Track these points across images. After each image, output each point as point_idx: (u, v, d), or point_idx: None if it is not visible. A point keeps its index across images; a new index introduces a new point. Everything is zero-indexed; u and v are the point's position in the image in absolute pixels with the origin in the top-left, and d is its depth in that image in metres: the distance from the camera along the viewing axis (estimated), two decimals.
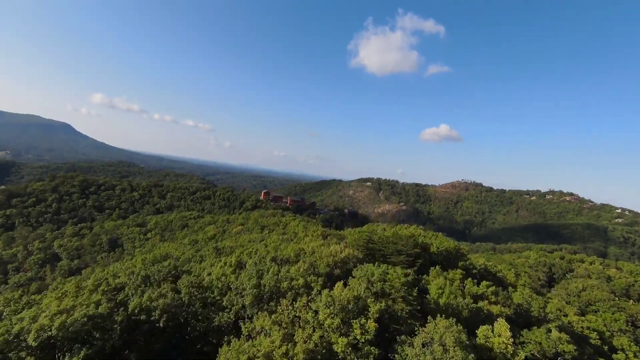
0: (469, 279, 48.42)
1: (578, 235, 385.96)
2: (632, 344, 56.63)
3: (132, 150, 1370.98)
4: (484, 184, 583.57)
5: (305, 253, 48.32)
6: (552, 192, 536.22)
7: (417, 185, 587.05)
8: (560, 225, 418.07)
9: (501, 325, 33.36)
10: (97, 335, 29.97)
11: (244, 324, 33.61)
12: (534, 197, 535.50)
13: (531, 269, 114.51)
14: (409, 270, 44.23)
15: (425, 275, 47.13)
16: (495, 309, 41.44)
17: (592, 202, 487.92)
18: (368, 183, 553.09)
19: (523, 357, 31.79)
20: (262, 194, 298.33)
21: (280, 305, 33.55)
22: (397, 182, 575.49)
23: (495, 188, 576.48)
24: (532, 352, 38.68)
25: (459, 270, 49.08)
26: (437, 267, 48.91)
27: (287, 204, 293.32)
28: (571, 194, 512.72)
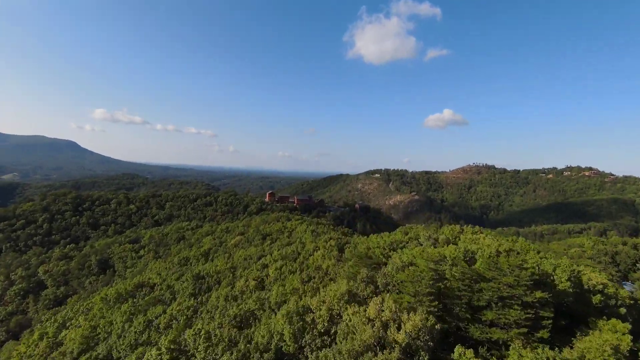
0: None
1: (604, 212, 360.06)
2: None
3: (138, 162, 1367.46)
4: (496, 166, 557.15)
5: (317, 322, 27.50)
6: (569, 168, 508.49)
7: (427, 173, 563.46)
8: (583, 203, 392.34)
9: None
10: None
11: None
12: (551, 175, 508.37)
13: (593, 260, 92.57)
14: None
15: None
16: None
17: (613, 175, 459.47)
18: (376, 175, 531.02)
19: None
20: (267, 195, 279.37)
21: None
22: (406, 171, 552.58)
23: (508, 169, 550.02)
24: None
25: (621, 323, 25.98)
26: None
27: (294, 204, 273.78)
28: (590, 169, 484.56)
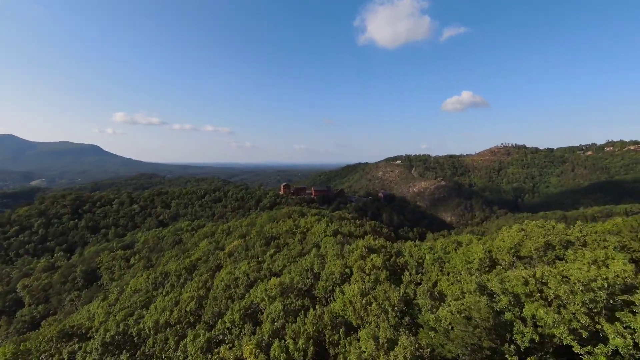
0: None
1: None
2: None
3: (158, 163, 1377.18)
4: (527, 146, 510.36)
5: None
6: (611, 143, 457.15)
7: (451, 157, 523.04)
8: (635, 180, 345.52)
9: None
10: None
11: None
12: (590, 152, 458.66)
13: None
14: None
15: None
16: None
17: None
18: (397, 162, 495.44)
19: None
20: (282, 187, 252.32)
21: None
22: (428, 156, 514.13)
23: (541, 148, 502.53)
24: None
25: None
26: None
27: (312, 196, 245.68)
28: (636, 142, 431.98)
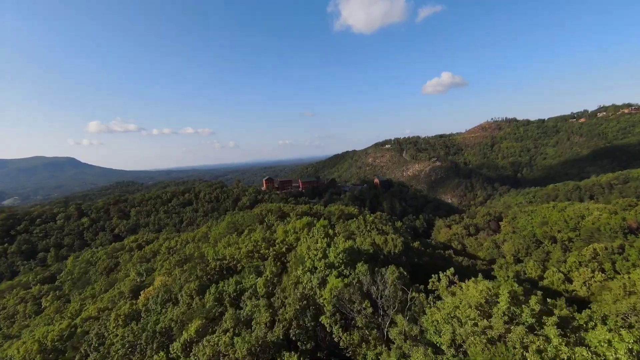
0: None
1: None
2: None
3: (140, 170, 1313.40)
4: (517, 118, 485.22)
5: None
6: (603, 108, 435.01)
7: (441, 136, 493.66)
8: None
9: None
10: None
11: None
12: (583, 119, 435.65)
13: None
14: None
15: None
16: None
17: None
18: (387, 146, 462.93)
19: None
20: (264, 182, 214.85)
21: None
22: (418, 137, 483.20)
23: (532, 120, 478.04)
24: None
25: None
26: None
27: (299, 189, 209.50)
28: (629, 105, 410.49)
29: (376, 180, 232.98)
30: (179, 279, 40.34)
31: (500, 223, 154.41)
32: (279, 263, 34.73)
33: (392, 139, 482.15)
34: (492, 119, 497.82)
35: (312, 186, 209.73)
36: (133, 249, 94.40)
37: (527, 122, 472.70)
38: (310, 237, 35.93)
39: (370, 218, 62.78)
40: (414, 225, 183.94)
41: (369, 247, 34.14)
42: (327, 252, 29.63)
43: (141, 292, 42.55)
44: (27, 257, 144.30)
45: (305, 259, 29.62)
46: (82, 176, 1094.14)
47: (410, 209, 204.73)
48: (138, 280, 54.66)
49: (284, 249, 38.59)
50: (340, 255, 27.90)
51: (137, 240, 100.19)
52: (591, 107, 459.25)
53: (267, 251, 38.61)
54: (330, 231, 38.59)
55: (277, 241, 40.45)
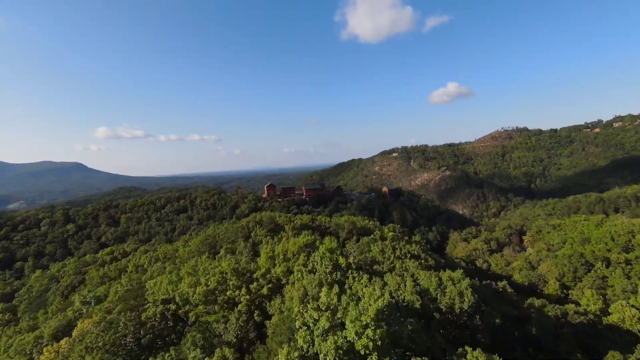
0: None
1: None
2: None
3: (146, 176, 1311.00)
4: (529, 128, 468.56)
5: None
6: (619, 118, 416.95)
7: (450, 145, 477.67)
8: None
9: None
10: None
11: None
12: (597, 129, 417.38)
13: None
14: None
15: None
16: None
17: None
18: (394, 154, 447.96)
19: None
20: (265, 188, 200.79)
21: None
22: (426, 146, 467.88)
23: (544, 129, 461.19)
24: None
25: None
26: None
27: (303, 196, 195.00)
28: None
29: (385, 189, 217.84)
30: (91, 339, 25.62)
31: (523, 237, 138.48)
32: (253, 317, 20.46)
33: (400, 147, 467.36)
34: (502, 128, 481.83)
35: (317, 194, 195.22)
36: (106, 263, 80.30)
37: (539, 132, 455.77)
38: (309, 270, 21.62)
39: (390, 234, 48.02)
40: (427, 238, 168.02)
41: (413, 296, 19.79)
42: (339, 310, 15.26)
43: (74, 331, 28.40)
44: (4, 266, 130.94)
45: (298, 325, 15.34)
46: (89, 181, 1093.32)
47: (422, 220, 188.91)
48: (74, 315, 40.32)
49: (265, 290, 24.17)
50: (372, 332, 13.50)
51: (112, 253, 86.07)
52: (606, 117, 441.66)
53: (237, 293, 24.13)
54: (342, 260, 24.08)
55: (256, 274, 26.06)
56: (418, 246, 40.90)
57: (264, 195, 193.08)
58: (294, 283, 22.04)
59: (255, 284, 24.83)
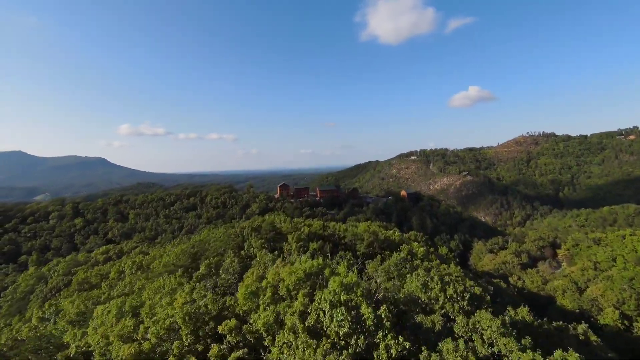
0: None
1: None
2: None
3: (165, 173, 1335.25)
4: (556, 133, 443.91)
5: None
6: None
7: (471, 150, 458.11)
8: None
9: None
10: None
11: None
12: (632, 136, 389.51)
13: None
14: None
15: None
16: None
17: None
18: (412, 157, 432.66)
19: None
20: (278, 188, 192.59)
21: None
22: (446, 150, 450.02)
23: (572, 135, 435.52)
24: None
25: None
26: None
27: (317, 197, 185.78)
28: None
29: (403, 193, 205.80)
30: None
31: (558, 251, 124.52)
32: None
33: (418, 150, 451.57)
34: (527, 133, 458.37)
35: (332, 196, 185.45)
36: (99, 263, 73.29)
37: (568, 138, 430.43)
38: (310, 328, 12.30)
39: (420, 249, 37.87)
40: (449, 246, 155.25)
41: None
42: None
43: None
44: (8, 259, 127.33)
45: None
46: (110, 176, 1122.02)
47: (443, 227, 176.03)
48: (28, 333, 32.36)
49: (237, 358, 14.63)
50: None
51: (107, 252, 79.17)
52: None
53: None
54: (367, 312, 14.33)
55: (225, 327, 16.51)
56: (459, 268, 30.71)
57: (277, 196, 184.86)
58: (282, 352, 12.92)
59: (225, 341, 15.32)
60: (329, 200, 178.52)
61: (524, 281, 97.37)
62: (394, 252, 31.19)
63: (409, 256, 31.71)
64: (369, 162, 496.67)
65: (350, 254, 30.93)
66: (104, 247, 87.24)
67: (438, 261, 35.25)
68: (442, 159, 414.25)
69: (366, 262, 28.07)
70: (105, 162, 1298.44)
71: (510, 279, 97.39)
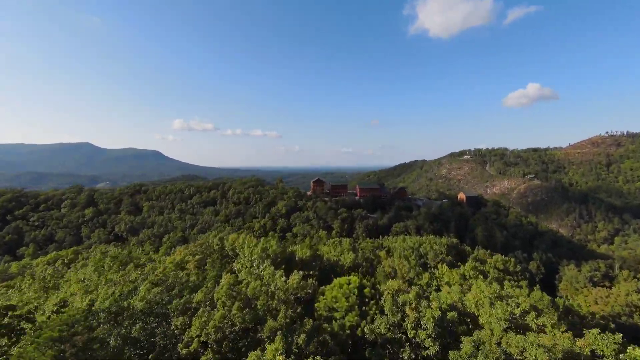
0: None
1: None
2: None
3: (212, 167, 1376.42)
4: None
5: None
6: None
7: (535, 150, 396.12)
8: None
9: None
10: None
11: None
12: None
13: None
14: None
15: None
16: None
17: None
18: (465, 157, 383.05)
19: None
20: (312, 184, 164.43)
21: None
22: (506, 149, 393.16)
23: None
24: None
25: None
26: None
27: (356, 197, 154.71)
28: None
29: (461, 195, 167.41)
30: None
31: None
32: None
33: (471, 149, 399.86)
34: (606, 132, 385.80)
35: (374, 195, 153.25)
36: (68, 264, 50.63)
37: None
38: None
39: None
40: (527, 268, 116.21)
41: None
42: None
43: None
44: (8, 250, 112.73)
45: None
46: (162, 168, 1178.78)
47: (515, 242, 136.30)
48: None
49: None
50: None
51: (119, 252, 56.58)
52: None
53: None
54: None
55: None
56: None
57: (309, 193, 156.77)
58: None
59: None
60: (370, 201, 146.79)
61: None
62: None
63: None
64: (415, 161, 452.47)
65: None
66: (72, 249, 64.87)
67: None
68: (500, 159, 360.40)
69: None
70: (159, 155, 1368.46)
71: None
